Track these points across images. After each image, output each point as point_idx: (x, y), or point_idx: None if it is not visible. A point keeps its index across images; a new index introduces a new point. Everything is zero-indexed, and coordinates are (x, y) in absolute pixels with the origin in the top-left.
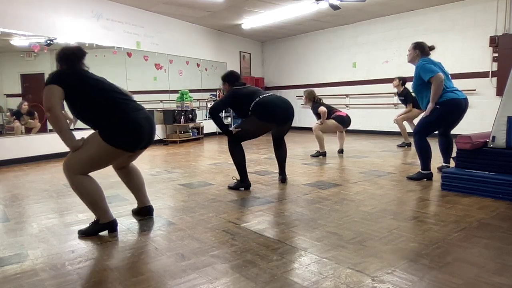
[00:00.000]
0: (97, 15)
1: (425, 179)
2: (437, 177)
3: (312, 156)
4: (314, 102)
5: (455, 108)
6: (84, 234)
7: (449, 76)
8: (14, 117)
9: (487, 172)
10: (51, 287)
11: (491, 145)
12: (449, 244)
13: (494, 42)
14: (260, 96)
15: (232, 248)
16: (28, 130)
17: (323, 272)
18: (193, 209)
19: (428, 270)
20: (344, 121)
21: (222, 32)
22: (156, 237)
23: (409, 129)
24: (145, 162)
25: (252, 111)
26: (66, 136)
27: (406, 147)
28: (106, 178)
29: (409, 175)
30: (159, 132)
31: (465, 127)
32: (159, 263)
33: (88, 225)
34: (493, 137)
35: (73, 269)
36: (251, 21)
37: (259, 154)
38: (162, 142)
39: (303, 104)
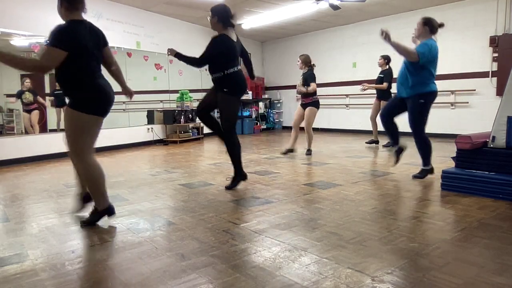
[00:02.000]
0: (97, 15)
1: (429, 175)
2: (437, 177)
3: (307, 154)
4: (309, 67)
5: (433, 98)
6: (87, 224)
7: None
8: (15, 97)
9: (487, 172)
10: (51, 287)
11: (491, 145)
12: (449, 244)
13: (494, 42)
14: (236, 68)
15: (232, 248)
16: (28, 112)
17: (323, 272)
18: (193, 209)
19: (428, 270)
20: (319, 105)
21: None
22: (156, 237)
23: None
24: (145, 162)
25: (225, 77)
26: (15, 64)
27: (374, 144)
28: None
29: (414, 174)
30: (158, 132)
31: (465, 127)
32: (159, 263)
33: (88, 215)
34: (493, 137)
35: (73, 269)
36: (251, 21)
37: (259, 154)
38: (162, 142)
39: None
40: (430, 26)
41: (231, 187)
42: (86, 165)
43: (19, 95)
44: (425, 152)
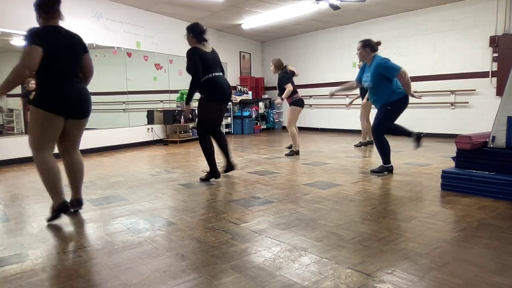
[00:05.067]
0: (97, 15)
1: (386, 172)
2: (437, 177)
3: (287, 155)
4: (282, 70)
5: (403, 105)
6: (49, 220)
7: None
8: (22, 97)
9: (487, 172)
10: (51, 287)
11: (491, 145)
12: (449, 244)
13: (494, 42)
14: (211, 75)
15: (232, 248)
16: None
17: (323, 272)
18: (193, 209)
19: (428, 270)
20: (303, 102)
21: (222, 32)
22: (156, 237)
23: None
24: (145, 162)
25: (202, 84)
26: (11, 82)
27: (362, 146)
28: (106, 178)
29: (372, 168)
30: (158, 132)
31: (465, 127)
32: (159, 263)
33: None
34: (493, 137)
35: (73, 269)
36: (251, 21)
37: (259, 154)
38: (162, 142)
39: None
40: (370, 47)
41: (204, 180)
42: (41, 160)
43: (25, 95)
44: (383, 152)
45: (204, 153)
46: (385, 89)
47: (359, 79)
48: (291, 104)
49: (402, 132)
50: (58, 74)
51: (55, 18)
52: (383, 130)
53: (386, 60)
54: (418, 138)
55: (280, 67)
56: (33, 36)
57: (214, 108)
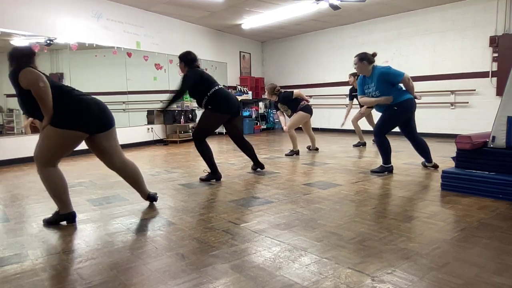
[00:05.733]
0: (97, 15)
1: (386, 172)
2: (437, 177)
3: (287, 155)
4: (278, 95)
5: (410, 107)
6: (47, 223)
7: None
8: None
9: (487, 172)
10: (51, 287)
11: (491, 145)
12: (449, 244)
13: (494, 42)
14: (216, 87)
15: (232, 248)
16: (35, 130)
17: (323, 272)
18: (193, 209)
19: (428, 270)
20: (311, 109)
21: (222, 32)
22: (156, 237)
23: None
24: (145, 162)
25: (209, 98)
26: (50, 105)
27: (361, 146)
28: (106, 178)
29: (372, 168)
30: (159, 132)
31: (465, 127)
32: (159, 263)
33: (51, 215)
34: (493, 137)
35: (73, 269)
36: (251, 21)
37: (259, 154)
38: (162, 142)
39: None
40: (366, 60)
41: (204, 180)
42: (46, 174)
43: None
44: (384, 153)
45: (204, 159)
46: (391, 92)
47: (362, 93)
48: (299, 110)
49: (425, 154)
50: (74, 91)
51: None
52: (385, 130)
53: (389, 67)
54: (388, 170)
55: (273, 92)
56: (19, 57)
57: (217, 120)
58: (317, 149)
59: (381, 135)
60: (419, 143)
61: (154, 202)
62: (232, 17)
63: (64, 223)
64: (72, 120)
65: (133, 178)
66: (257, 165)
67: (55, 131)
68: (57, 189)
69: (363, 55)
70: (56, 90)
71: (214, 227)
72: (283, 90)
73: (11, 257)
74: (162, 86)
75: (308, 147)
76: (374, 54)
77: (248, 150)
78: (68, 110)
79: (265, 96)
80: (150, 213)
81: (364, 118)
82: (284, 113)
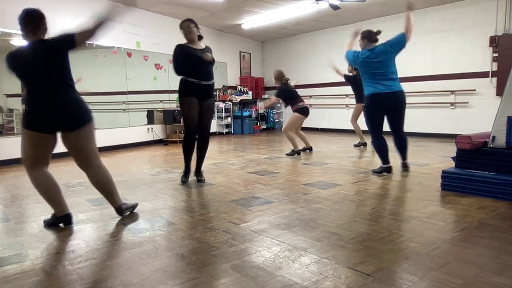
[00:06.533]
0: (97, 15)
1: (385, 172)
2: (437, 177)
3: (287, 154)
4: (282, 82)
5: (376, 100)
6: (47, 225)
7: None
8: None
9: (487, 172)
10: (51, 287)
11: (491, 145)
12: (449, 244)
13: (494, 42)
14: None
15: (232, 248)
16: None
17: (323, 272)
18: (193, 209)
19: (428, 270)
20: (308, 111)
21: (222, 32)
22: (156, 237)
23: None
24: (145, 162)
25: (180, 83)
26: (95, 29)
27: (362, 146)
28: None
29: (373, 168)
30: (159, 132)
31: (465, 127)
32: (159, 263)
33: (50, 216)
34: (493, 137)
35: (73, 269)
36: (251, 21)
37: (259, 154)
38: (162, 142)
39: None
40: (367, 38)
41: (182, 180)
42: (33, 178)
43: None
44: (379, 153)
45: (183, 152)
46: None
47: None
48: (295, 111)
49: (401, 151)
50: (31, 92)
51: (36, 35)
52: (371, 129)
53: (387, 42)
54: (387, 170)
55: (280, 79)
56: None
57: (186, 103)
58: (311, 148)
59: (372, 135)
60: (401, 140)
61: (127, 213)
62: (232, 17)
63: (61, 225)
64: (25, 119)
65: (103, 185)
66: (199, 174)
67: (22, 131)
68: (48, 192)
69: (365, 33)
70: (27, 91)
71: (214, 227)
72: (287, 80)
73: (11, 257)
74: (162, 86)
75: (304, 149)
76: (378, 32)
77: (202, 152)
78: (25, 111)
79: (272, 79)
80: (150, 213)
81: (363, 118)
82: (275, 104)
